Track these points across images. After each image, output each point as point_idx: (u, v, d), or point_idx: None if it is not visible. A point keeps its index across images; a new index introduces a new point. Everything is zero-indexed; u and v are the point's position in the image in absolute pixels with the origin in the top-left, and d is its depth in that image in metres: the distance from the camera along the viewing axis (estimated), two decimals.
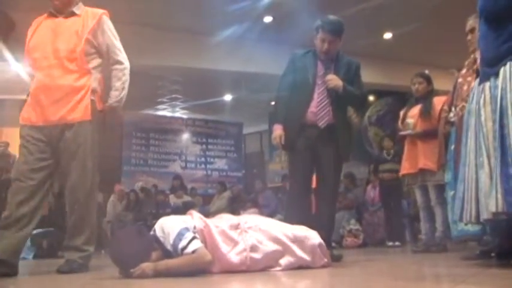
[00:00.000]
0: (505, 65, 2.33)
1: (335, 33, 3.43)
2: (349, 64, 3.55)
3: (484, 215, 2.23)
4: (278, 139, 3.44)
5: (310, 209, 3.74)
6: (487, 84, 2.43)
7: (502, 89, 2.30)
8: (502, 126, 2.25)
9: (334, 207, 3.61)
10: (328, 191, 3.45)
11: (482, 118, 2.40)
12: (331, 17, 3.52)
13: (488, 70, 2.45)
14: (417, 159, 4.41)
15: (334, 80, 3.38)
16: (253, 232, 2.52)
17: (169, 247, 2.31)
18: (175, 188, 10.20)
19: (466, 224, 3.00)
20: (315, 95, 3.43)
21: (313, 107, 3.42)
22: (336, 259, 3.21)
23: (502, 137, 2.24)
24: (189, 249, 2.25)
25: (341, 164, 3.56)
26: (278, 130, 3.47)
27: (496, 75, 2.36)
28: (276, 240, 2.54)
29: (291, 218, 3.11)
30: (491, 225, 2.68)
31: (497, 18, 2.41)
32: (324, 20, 3.48)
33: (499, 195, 2.12)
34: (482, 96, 2.44)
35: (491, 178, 2.26)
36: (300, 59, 3.57)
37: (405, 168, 4.59)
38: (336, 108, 3.43)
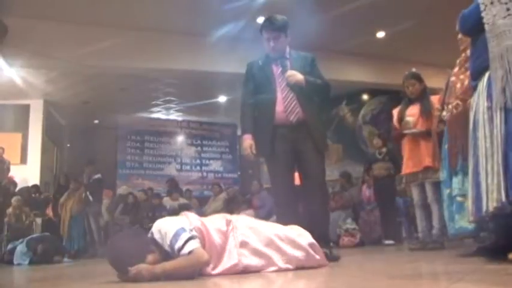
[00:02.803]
0: (480, 80, 2.50)
1: (277, 29, 3.48)
2: (304, 58, 3.59)
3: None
4: (248, 149, 3.46)
5: (297, 208, 3.73)
6: (472, 98, 2.62)
7: (476, 103, 2.50)
8: (475, 139, 2.45)
9: (326, 202, 3.60)
10: (317, 187, 3.44)
11: (470, 130, 2.57)
12: (274, 15, 3.56)
13: (473, 84, 2.64)
14: (422, 157, 4.41)
15: (295, 76, 3.40)
16: (244, 229, 2.54)
17: (167, 248, 2.32)
18: (170, 191, 10.20)
19: (468, 222, 3.06)
20: (279, 94, 3.46)
21: (280, 106, 3.44)
22: (333, 259, 3.21)
23: (474, 149, 2.45)
24: (185, 250, 2.25)
25: (321, 156, 3.52)
26: (247, 140, 3.50)
27: (476, 89, 2.55)
28: (268, 240, 2.55)
29: (284, 222, 3.11)
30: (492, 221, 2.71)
31: (470, 36, 2.66)
32: (265, 20, 3.55)
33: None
34: (471, 110, 2.62)
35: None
36: (256, 65, 3.63)
37: (408, 167, 4.58)
38: (304, 102, 3.44)
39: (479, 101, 2.47)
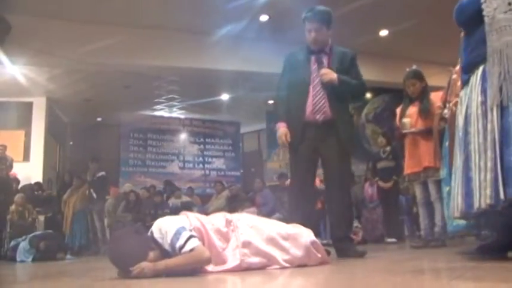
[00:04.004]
0: (473, 73, 2.45)
1: (319, 21, 3.43)
2: (344, 54, 3.53)
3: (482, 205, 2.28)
4: (284, 137, 3.44)
5: (314, 206, 3.74)
6: (462, 92, 2.57)
7: (468, 97, 2.45)
8: (466, 134, 2.40)
9: (347, 204, 3.50)
10: (336, 188, 3.43)
11: (458, 125, 2.55)
12: (317, 6, 3.49)
13: (464, 77, 2.58)
14: (422, 157, 4.41)
15: (328, 74, 3.37)
16: (245, 229, 2.54)
17: (167, 247, 2.32)
18: (166, 190, 10.25)
19: (448, 217, 3.07)
20: (310, 91, 3.42)
21: (309, 104, 3.41)
22: (360, 255, 3.26)
23: (466, 144, 2.39)
24: (187, 247, 2.25)
25: (346, 157, 3.50)
26: (282, 128, 3.47)
27: (468, 83, 2.50)
28: (269, 239, 2.55)
29: (295, 216, 3.12)
30: (486, 219, 2.70)
31: (465, 28, 2.58)
32: (308, 10, 3.47)
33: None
34: (459, 104, 2.59)
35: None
36: (294, 57, 3.59)
37: (409, 167, 4.58)
38: (334, 102, 3.41)
39: (471, 95, 2.42)
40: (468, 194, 2.35)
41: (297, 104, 3.45)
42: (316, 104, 3.40)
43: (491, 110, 2.28)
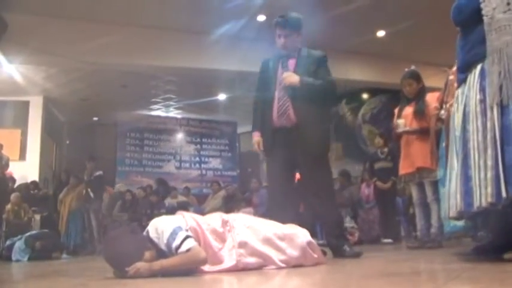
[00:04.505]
0: (471, 72, 2.44)
1: (290, 28, 3.45)
2: (311, 56, 3.52)
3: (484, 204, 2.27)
4: (256, 146, 3.52)
5: (296, 209, 3.74)
6: (459, 90, 2.56)
7: (466, 96, 2.44)
8: (464, 132, 2.40)
9: (328, 204, 3.44)
10: (311, 190, 3.42)
11: (455, 123, 2.54)
12: (288, 13, 3.53)
13: (461, 76, 2.57)
14: (414, 158, 4.42)
15: (289, 77, 3.37)
16: (242, 229, 2.54)
17: (163, 247, 2.31)
18: (159, 190, 10.22)
19: (443, 216, 3.07)
20: (276, 96, 3.45)
21: (275, 109, 3.43)
22: (356, 255, 3.28)
23: (464, 142, 2.39)
24: (183, 248, 2.25)
25: (318, 158, 3.43)
26: (255, 137, 3.55)
27: (465, 82, 2.49)
28: (266, 239, 2.55)
29: (275, 219, 3.11)
30: (483, 220, 2.70)
31: (463, 27, 2.56)
32: (279, 16, 3.51)
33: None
34: (455, 102, 2.59)
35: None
36: (267, 63, 3.63)
37: (403, 167, 4.59)
38: (299, 105, 3.38)
39: (469, 94, 2.42)
40: (467, 192, 2.33)
41: (266, 111, 3.50)
42: (280, 109, 3.41)
43: (491, 108, 2.27)
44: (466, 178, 2.34)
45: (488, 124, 2.27)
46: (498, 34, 2.29)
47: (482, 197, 2.23)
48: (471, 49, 2.47)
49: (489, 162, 2.22)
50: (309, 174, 3.44)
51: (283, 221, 2.83)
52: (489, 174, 2.21)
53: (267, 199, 8.77)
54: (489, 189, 2.20)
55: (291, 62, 3.50)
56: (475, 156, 2.31)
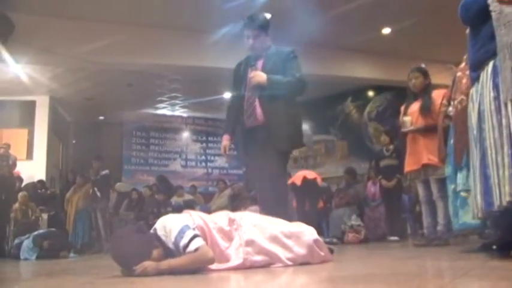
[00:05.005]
0: (483, 70, 2.42)
1: (257, 28, 3.46)
2: (279, 54, 3.49)
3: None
4: (222, 150, 3.59)
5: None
6: (473, 89, 2.54)
7: (480, 94, 2.42)
8: (481, 131, 2.37)
9: (279, 205, 3.26)
10: (266, 189, 3.39)
11: (472, 122, 2.51)
12: (255, 14, 3.56)
13: (473, 75, 2.55)
14: (420, 155, 4.40)
15: (256, 77, 3.37)
16: (249, 227, 2.54)
17: (170, 245, 2.32)
18: (160, 188, 10.18)
19: (473, 218, 3.00)
20: (245, 97, 3.47)
21: (245, 110, 3.46)
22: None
23: (481, 141, 2.35)
24: (191, 247, 2.25)
25: (276, 159, 3.34)
26: (224, 141, 3.60)
27: (478, 80, 2.47)
28: (273, 237, 2.55)
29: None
30: (493, 218, 2.68)
31: (472, 25, 2.55)
32: (246, 18, 3.53)
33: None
34: (471, 101, 2.55)
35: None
36: (238, 66, 3.64)
37: (409, 164, 4.57)
38: (267, 104, 3.37)
39: (483, 92, 2.39)
40: (487, 192, 2.31)
41: (238, 112, 3.53)
42: (247, 110, 3.44)
43: (505, 104, 2.25)
44: (485, 177, 2.32)
45: (504, 121, 2.25)
46: (508, 29, 2.26)
47: (502, 196, 2.21)
48: (481, 47, 2.45)
49: (506, 160, 2.20)
50: (262, 172, 3.39)
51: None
52: (507, 173, 2.19)
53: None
54: (507, 188, 2.18)
55: (260, 62, 3.50)
56: (492, 154, 2.28)
